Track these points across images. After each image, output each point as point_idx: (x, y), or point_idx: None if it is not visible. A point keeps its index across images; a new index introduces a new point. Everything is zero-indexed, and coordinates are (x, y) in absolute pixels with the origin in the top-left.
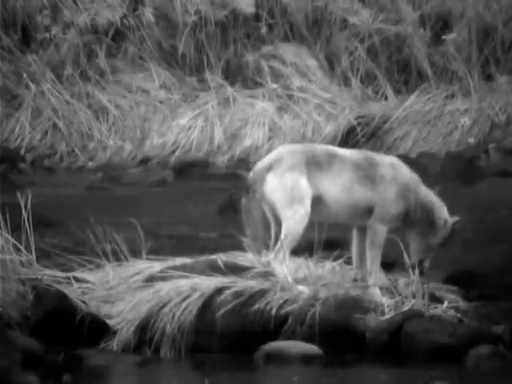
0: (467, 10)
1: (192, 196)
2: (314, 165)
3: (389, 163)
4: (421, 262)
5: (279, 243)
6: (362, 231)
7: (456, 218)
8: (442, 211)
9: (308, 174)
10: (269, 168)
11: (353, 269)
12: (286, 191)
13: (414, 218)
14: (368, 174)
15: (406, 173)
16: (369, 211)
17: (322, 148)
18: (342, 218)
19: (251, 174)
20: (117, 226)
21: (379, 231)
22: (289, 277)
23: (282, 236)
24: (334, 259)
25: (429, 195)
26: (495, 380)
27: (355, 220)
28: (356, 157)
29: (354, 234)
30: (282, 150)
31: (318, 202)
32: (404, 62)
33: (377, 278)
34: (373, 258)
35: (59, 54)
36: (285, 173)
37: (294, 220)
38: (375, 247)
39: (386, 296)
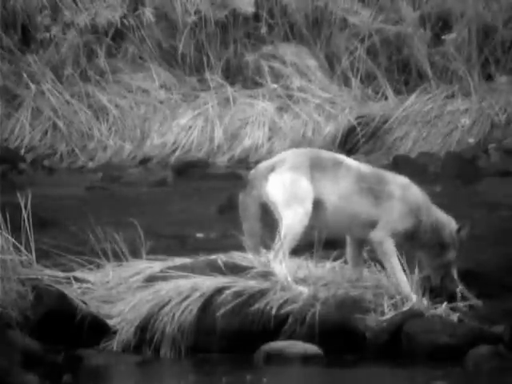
0: (467, 9)
1: (192, 196)
2: (317, 168)
3: (399, 183)
4: (443, 279)
5: (279, 243)
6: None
7: (457, 226)
8: (451, 228)
9: (311, 176)
10: (272, 169)
11: (349, 269)
12: (286, 190)
13: (423, 239)
14: (373, 189)
15: (417, 193)
16: (370, 225)
17: (328, 154)
18: (341, 228)
19: (253, 171)
20: (117, 226)
21: (384, 241)
22: (288, 277)
23: (282, 236)
24: (334, 259)
25: (439, 215)
26: (495, 380)
27: (355, 232)
28: (363, 169)
29: (348, 238)
30: (286, 152)
31: (318, 206)
32: (404, 62)
33: (407, 286)
34: (393, 269)
35: (59, 54)
36: (286, 172)
37: (293, 220)
38: (390, 257)
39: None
